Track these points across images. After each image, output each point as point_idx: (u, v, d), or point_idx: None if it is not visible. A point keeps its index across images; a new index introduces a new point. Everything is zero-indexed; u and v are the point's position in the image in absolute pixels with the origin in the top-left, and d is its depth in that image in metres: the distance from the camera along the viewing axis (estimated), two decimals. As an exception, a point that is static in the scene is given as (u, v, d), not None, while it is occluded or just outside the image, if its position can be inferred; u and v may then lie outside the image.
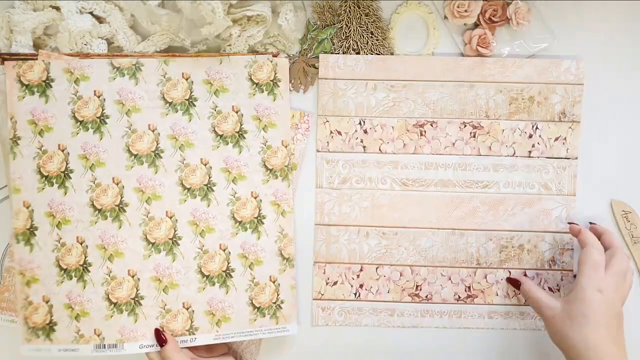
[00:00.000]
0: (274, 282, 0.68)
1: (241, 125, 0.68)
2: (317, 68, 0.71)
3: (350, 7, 0.69)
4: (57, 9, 0.67)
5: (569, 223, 0.69)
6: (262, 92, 0.68)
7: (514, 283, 0.69)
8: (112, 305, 0.67)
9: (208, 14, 0.62)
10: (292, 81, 0.71)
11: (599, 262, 0.63)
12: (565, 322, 0.62)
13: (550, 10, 0.70)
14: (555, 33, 0.70)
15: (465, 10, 0.68)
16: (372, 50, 0.70)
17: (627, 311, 0.71)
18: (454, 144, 0.70)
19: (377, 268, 0.70)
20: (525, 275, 0.70)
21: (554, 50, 0.70)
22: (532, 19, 0.69)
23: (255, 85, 0.68)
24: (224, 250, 0.67)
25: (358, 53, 0.70)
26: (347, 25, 0.69)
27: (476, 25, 0.69)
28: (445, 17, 0.70)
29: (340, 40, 0.70)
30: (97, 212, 0.66)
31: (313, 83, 0.71)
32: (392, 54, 0.70)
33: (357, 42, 0.69)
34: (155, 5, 0.66)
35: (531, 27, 0.69)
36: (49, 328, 0.67)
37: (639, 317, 0.72)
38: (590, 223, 0.69)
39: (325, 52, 0.70)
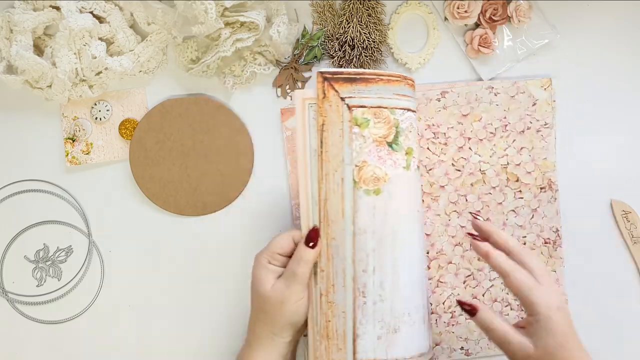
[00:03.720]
0: None
1: None
2: (306, 75, 0.71)
3: (353, 4, 0.69)
4: (57, 8, 0.67)
5: (471, 235, 0.59)
6: None
7: (469, 310, 0.56)
8: None
9: (201, 14, 0.63)
10: (280, 87, 0.71)
11: (531, 281, 0.54)
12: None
13: (551, 7, 0.70)
14: (557, 28, 0.70)
15: (465, 11, 0.67)
16: (366, 50, 0.69)
17: (627, 312, 0.71)
18: None
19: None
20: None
21: (555, 46, 0.70)
22: (532, 15, 0.69)
23: None
24: None
25: (353, 49, 0.69)
26: (347, 21, 0.69)
27: (477, 25, 0.69)
28: (446, 19, 0.70)
29: (337, 35, 0.70)
30: None
31: (302, 89, 0.71)
32: (391, 55, 0.70)
33: (353, 39, 0.69)
34: None
35: (532, 24, 0.69)
36: None
37: (638, 319, 0.72)
38: (474, 216, 0.60)
39: (316, 58, 0.70)
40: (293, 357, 0.65)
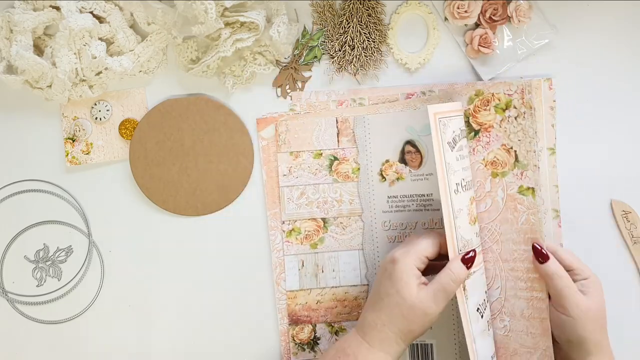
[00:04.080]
0: None
1: None
2: (306, 75, 0.71)
3: (353, 4, 0.69)
4: (57, 8, 0.67)
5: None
6: None
7: (542, 257, 0.62)
8: None
9: (201, 14, 0.63)
10: (280, 87, 0.71)
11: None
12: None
13: (551, 7, 0.70)
14: (557, 28, 0.70)
15: (465, 11, 0.67)
16: (366, 50, 0.69)
17: (627, 312, 0.71)
18: None
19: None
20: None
21: (555, 46, 0.70)
22: (532, 15, 0.69)
23: None
24: None
25: (353, 49, 0.69)
26: (347, 21, 0.69)
27: (477, 25, 0.69)
28: (446, 19, 0.70)
29: (337, 35, 0.70)
30: None
31: (302, 89, 0.71)
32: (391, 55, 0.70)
33: (353, 39, 0.69)
34: None
35: (532, 24, 0.69)
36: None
37: (638, 319, 0.72)
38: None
39: (316, 58, 0.70)
40: None
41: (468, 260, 0.60)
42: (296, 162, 0.71)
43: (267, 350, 0.73)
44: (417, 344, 0.70)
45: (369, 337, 0.59)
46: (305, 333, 0.72)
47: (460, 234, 0.61)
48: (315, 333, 0.72)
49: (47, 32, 0.70)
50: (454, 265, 0.59)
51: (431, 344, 0.70)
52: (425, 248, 0.60)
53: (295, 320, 0.72)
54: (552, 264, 0.61)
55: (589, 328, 0.59)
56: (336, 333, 0.72)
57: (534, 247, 0.62)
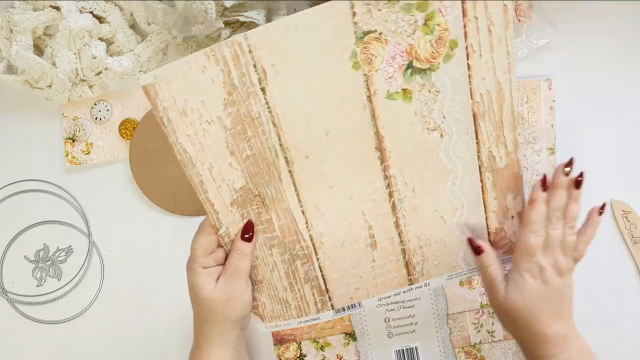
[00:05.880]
0: None
1: None
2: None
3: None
4: (57, 8, 0.67)
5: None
6: None
7: (476, 249, 0.59)
8: None
9: (201, 14, 0.63)
10: None
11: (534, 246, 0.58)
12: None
13: (551, 7, 0.70)
14: (557, 27, 0.70)
15: (466, 11, 0.67)
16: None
17: (627, 312, 0.71)
18: None
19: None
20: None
21: (555, 46, 0.70)
22: (532, 15, 0.69)
23: None
24: None
25: None
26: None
27: (477, 24, 0.69)
28: (445, 18, 0.70)
29: None
30: None
31: None
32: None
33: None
34: None
35: (532, 23, 0.69)
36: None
37: (638, 319, 0.72)
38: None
39: None
40: (244, 347, 0.64)
41: (245, 232, 0.58)
42: None
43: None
44: (402, 349, 0.70)
45: (199, 344, 0.60)
46: (291, 352, 0.72)
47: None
48: (301, 350, 0.72)
49: (47, 32, 0.70)
50: (236, 242, 0.58)
51: (416, 347, 0.70)
52: (202, 249, 0.59)
53: (279, 340, 0.72)
54: (485, 257, 0.58)
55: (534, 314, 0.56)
56: (322, 348, 0.71)
57: (468, 240, 0.59)
